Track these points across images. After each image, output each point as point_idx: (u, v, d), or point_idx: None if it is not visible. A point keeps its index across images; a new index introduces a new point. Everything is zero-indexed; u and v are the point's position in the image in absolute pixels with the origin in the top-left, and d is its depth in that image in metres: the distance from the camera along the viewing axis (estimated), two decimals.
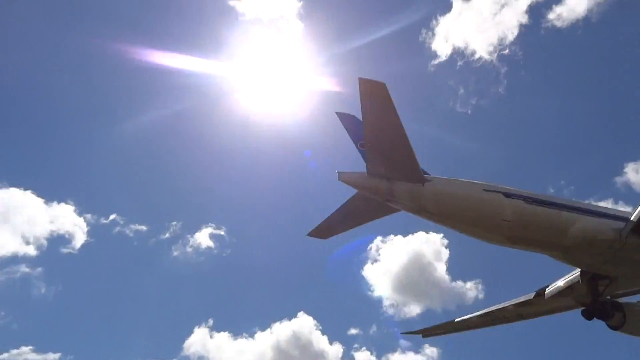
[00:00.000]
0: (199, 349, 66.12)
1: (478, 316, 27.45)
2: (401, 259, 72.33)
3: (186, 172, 79.20)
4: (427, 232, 64.64)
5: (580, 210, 21.87)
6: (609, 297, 23.76)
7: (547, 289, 25.29)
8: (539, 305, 25.84)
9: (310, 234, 23.49)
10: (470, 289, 68.77)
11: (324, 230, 23.34)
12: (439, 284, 69.99)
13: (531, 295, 25.62)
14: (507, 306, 26.35)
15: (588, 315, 23.78)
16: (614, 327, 23.35)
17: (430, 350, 63.66)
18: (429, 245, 70.99)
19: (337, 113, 24.32)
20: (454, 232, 22.50)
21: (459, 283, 69.19)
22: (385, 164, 20.96)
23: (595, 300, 23.51)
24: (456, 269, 72.18)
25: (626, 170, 73.17)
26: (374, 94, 19.30)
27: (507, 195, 21.22)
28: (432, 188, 21.18)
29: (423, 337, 31.10)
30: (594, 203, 28.47)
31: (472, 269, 74.62)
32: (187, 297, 75.51)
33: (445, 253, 70.64)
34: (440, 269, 71.26)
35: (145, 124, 69.72)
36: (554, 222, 21.27)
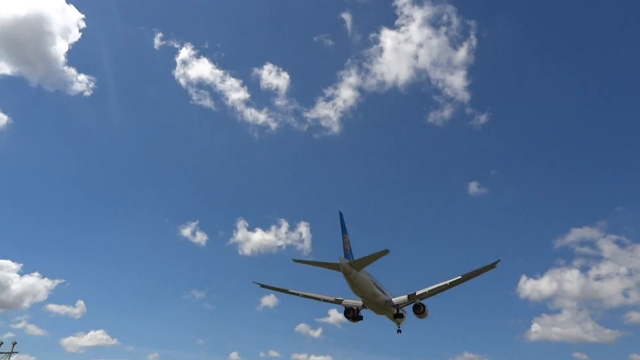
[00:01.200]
0: None
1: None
2: None
3: None
4: None
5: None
6: (420, 301, 50.51)
7: (395, 298, 51.12)
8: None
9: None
10: None
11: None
12: None
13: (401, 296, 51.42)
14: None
15: (414, 309, 50.53)
16: (419, 316, 50.42)
17: None
18: None
19: None
20: None
21: None
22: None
23: (415, 304, 50.63)
24: None
25: None
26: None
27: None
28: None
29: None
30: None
31: None
32: None
33: None
34: None
35: None
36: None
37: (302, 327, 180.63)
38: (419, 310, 47.85)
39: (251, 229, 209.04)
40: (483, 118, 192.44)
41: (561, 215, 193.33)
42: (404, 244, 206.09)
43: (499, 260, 43.25)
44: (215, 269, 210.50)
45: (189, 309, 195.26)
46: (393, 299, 49.14)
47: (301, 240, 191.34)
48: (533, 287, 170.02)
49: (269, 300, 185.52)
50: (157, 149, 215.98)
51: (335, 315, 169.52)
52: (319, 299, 53.20)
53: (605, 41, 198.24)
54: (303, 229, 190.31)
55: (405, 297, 47.33)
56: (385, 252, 39.38)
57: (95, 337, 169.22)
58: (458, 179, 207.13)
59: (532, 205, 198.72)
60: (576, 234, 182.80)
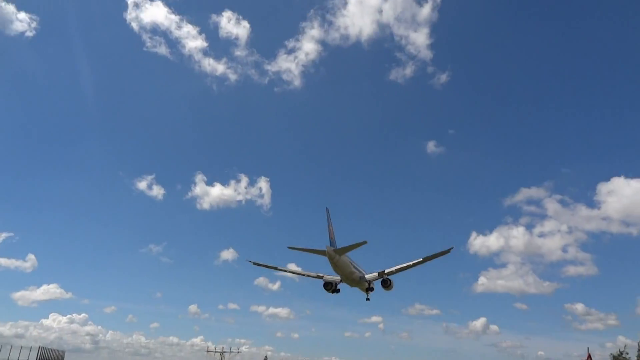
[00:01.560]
0: None
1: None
2: None
3: None
4: None
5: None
6: (387, 277, 56.24)
7: (367, 274, 56.79)
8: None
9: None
10: None
11: None
12: None
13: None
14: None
15: (382, 283, 56.12)
16: (386, 289, 56.34)
17: None
18: None
19: None
20: None
21: None
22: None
23: (383, 279, 56.01)
24: None
25: None
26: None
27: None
28: None
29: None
30: None
31: None
32: None
33: None
34: None
35: None
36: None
37: (261, 280, 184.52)
38: (386, 284, 55.21)
39: (210, 183, 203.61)
40: (444, 77, 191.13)
41: (512, 175, 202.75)
42: (361, 201, 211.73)
43: (452, 247, 51.39)
44: (173, 223, 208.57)
45: (146, 263, 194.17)
46: (366, 275, 55.36)
47: (261, 196, 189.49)
48: (482, 243, 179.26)
49: (228, 254, 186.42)
50: (109, 97, 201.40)
51: (294, 269, 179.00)
52: (303, 275, 60.38)
53: (570, 4, 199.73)
54: (263, 184, 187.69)
55: (376, 274, 54.40)
56: (364, 242, 47.11)
57: (49, 291, 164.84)
58: (417, 138, 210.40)
59: (485, 165, 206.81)
60: (524, 193, 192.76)
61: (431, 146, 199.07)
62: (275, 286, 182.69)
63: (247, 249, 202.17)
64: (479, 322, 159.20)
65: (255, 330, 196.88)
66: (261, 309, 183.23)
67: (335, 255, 50.15)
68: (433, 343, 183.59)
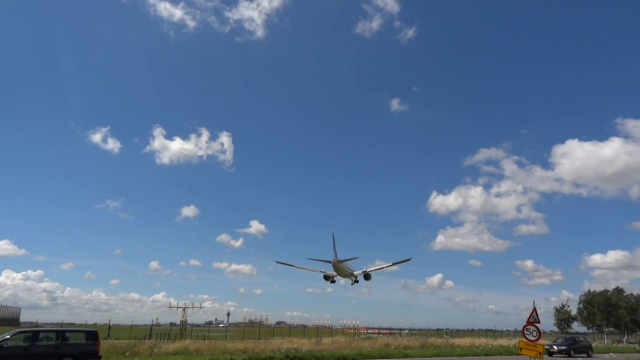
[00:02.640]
0: None
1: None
2: None
3: None
4: None
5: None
6: (368, 272, 64.79)
7: (356, 271, 65.32)
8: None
9: None
10: None
11: None
12: None
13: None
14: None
15: (365, 277, 64.58)
16: (366, 279, 64.80)
17: None
18: None
19: None
20: None
21: None
22: None
23: (366, 274, 64.15)
24: None
25: None
26: None
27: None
28: None
29: None
30: None
31: None
32: None
33: None
34: None
35: None
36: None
37: (223, 237, 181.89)
38: (367, 277, 71.55)
39: (169, 137, 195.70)
40: (410, 32, 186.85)
41: (473, 135, 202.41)
42: (324, 155, 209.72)
43: (411, 258, 64.63)
44: (131, 178, 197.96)
45: (104, 219, 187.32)
46: (355, 272, 68.79)
47: (223, 151, 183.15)
48: (441, 202, 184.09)
49: (189, 211, 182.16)
50: (57, 44, 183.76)
51: (257, 226, 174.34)
52: (313, 270, 70.36)
53: None
54: (225, 139, 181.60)
55: (361, 271, 69.75)
56: (356, 257, 63.67)
57: (0, 247, 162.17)
58: (381, 94, 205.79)
59: (447, 124, 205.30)
60: (484, 153, 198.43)
61: (395, 104, 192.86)
62: (238, 243, 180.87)
63: (208, 205, 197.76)
64: (435, 278, 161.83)
65: (217, 287, 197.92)
66: (224, 265, 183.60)
67: (338, 264, 64.76)
68: (392, 298, 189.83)
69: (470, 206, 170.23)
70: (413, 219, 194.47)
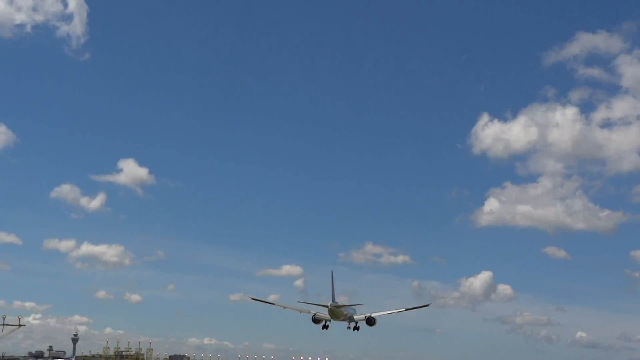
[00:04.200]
0: None
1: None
2: None
3: None
4: None
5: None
6: (372, 316, 71.87)
7: (357, 316, 68.68)
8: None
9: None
10: None
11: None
12: None
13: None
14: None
15: (367, 322, 70.40)
16: (371, 325, 71.32)
17: None
18: None
19: None
20: None
21: None
22: None
23: (369, 318, 70.72)
24: None
25: None
26: None
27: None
28: None
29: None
30: None
31: None
32: None
33: None
34: None
35: None
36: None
37: (65, 190, 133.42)
38: (371, 323, 66.58)
39: None
40: None
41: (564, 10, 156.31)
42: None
43: (430, 304, 68.49)
44: None
45: None
46: (355, 317, 66.11)
47: (66, 18, 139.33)
48: (497, 134, 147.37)
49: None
50: None
51: (133, 169, 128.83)
52: (299, 311, 68.07)
53: None
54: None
55: (363, 316, 65.60)
56: (359, 304, 63.46)
57: None
58: None
59: None
60: (583, 42, 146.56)
61: None
62: (96, 203, 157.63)
63: (34, 127, 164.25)
64: (479, 280, 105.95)
65: (54, 287, 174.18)
66: (66, 245, 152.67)
67: (336, 309, 60.60)
68: (395, 319, 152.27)
69: (551, 144, 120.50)
70: (441, 166, 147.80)
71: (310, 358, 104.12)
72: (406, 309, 63.29)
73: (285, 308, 64.74)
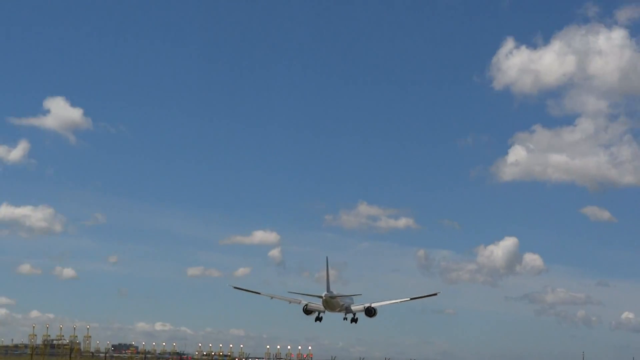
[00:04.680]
0: None
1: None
2: None
3: None
4: None
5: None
6: (372, 306, 61.99)
7: (354, 306, 62.29)
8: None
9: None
10: None
11: None
12: None
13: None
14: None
15: (367, 312, 61.69)
16: (370, 317, 62.21)
17: None
18: None
19: None
20: None
21: None
22: None
23: (368, 309, 61.01)
24: None
25: None
26: None
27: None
28: None
29: None
30: None
31: None
32: None
33: None
34: None
35: None
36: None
37: None
38: (370, 314, 62.33)
39: None
40: None
41: None
42: None
43: (439, 292, 61.89)
44: None
45: None
46: (352, 307, 61.44)
47: None
48: (525, 63, 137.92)
49: None
50: None
51: (63, 109, 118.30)
52: (289, 301, 63.66)
53: None
54: None
55: (362, 306, 61.18)
56: (358, 294, 59.48)
57: None
58: None
59: None
60: None
61: None
62: (15, 154, 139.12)
63: None
64: (501, 248, 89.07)
65: None
66: None
67: (331, 300, 55.36)
68: (396, 290, 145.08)
69: (593, 77, 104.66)
70: (453, 105, 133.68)
71: (289, 347, 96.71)
72: (411, 299, 59.14)
73: (272, 298, 58.17)
